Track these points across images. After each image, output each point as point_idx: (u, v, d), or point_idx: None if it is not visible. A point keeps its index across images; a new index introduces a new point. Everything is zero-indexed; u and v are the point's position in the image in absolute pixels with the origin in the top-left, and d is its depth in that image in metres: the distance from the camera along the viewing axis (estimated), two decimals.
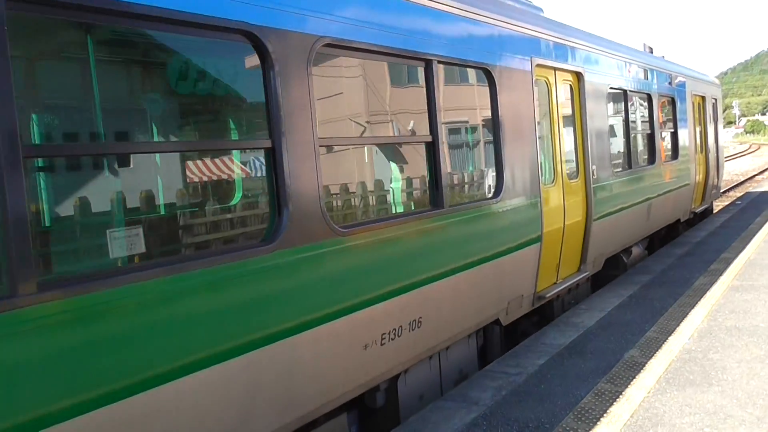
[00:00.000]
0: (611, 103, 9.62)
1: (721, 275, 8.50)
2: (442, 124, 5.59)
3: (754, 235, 11.43)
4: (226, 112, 4.21)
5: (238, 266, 3.57)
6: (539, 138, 7.28)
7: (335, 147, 4.89)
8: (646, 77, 10.81)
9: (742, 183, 31.57)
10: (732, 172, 41.38)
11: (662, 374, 5.10)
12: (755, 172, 39.59)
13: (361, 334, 4.54)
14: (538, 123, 7.25)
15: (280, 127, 3.85)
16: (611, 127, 9.46)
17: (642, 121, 11.23)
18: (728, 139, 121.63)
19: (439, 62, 5.40)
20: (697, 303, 7.21)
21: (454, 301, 5.60)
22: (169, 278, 3.22)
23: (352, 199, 5.09)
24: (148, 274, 3.13)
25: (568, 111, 8.19)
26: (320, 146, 4.22)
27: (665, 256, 10.33)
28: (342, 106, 5.03)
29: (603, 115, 8.85)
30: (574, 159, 8.23)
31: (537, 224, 6.92)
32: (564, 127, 7.96)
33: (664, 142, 12.27)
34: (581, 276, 8.22)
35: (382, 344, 4.77)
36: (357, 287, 4.44)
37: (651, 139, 11.11)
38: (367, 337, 4.59)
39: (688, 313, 6.82)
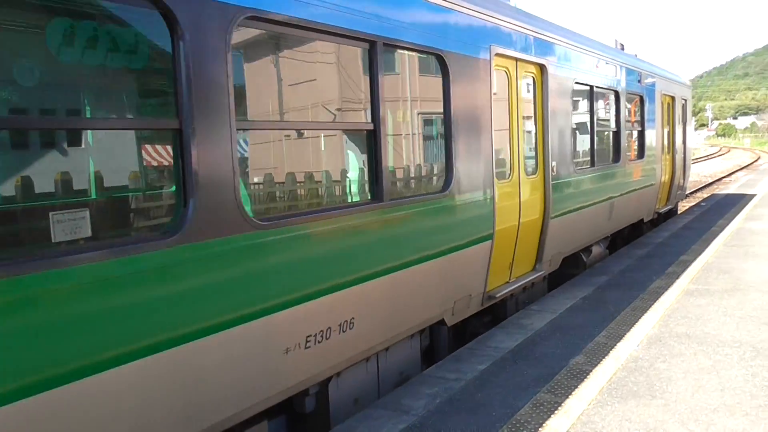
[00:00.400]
0: (576, 98, 9.37)
1: (678, 278, 8.31)
2: (386, 112, 5.25)
3: (714, 238, 11.30)
4: (123, 86, 3.79)
5: (130, 262, 3.18)
6: (496, 131, 6.98)
7: (262, 133, 4.51)
8: (614, 74, 10.58)
9: (710, 184, 31.83)
10: (701, 173, 41.77)
11: (605, 384, 4.84)
12: (723, 175, 40.02)
13: (281, 337, 4.18)
14: (496, 115, 6.95)
15: (188, 107, 3.46)
16: (575, 123, 9.20)
17: (608, 119, 11.01)
18: (700, 141, 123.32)
19: (384, 44, 5.04)
20: (650, 307, 6.99)
21: (392, 300, 5.28)
22: (40, 275, 2.83)
23: (278, 190, 4.72)
24: (13, 270, 2.74)
25: (530, 104, 7.89)
26: (239, 130, 3.84)
27: (625, 257, 10.13)
28: (272, 88, 4.64)
29: (566, 111, 8.58)
30: (534, 154, 7.95)
31: (489, 221, 6.62)
32: (524, 121, 7.67)
33: (630, 141, 12.08)
34: (536, 275, 7.96)
35: (306, 347, 4.42)
36: (276, 286, 4.08)
37: (616, 137, 10.90)
38: (288, 341, 4.24)
39: (640, 318, 6.58)
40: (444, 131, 5.98)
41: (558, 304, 7.41)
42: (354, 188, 5.23)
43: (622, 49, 12.90)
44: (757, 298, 7.15)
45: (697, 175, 40.35)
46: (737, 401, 4.46)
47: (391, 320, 5.35)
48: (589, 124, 9.74)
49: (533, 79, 7.87)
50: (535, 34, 7.71)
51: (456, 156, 6.00)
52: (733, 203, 16.94)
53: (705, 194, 24.27)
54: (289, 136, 4.82)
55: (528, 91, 7.84)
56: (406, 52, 5.59)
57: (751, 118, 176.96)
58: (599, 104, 10.39)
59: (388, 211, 5.04)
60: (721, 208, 15.98)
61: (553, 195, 8.11)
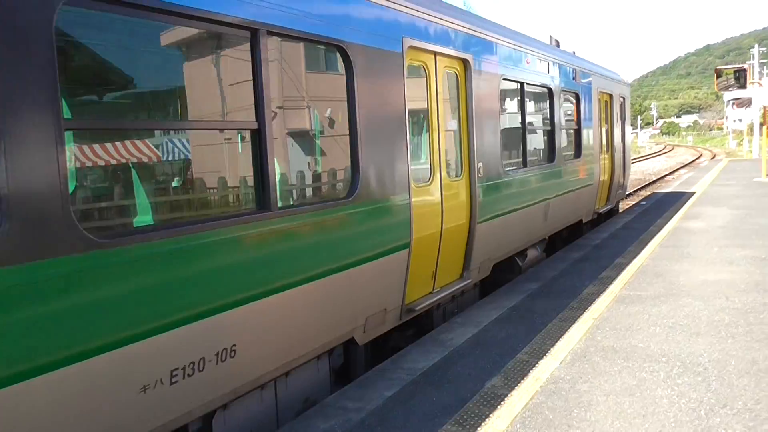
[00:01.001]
0: (505, 96, 8.94)
1: (611, 284, 7.95)
2: (278, 110, 4.66)
3: (651, 239, 11.06)
4: None
5: None
6: (413, 131, 6.46)
7: (109, 135, 3.86)
8: (547, 71, 10.20)
9: (654, 182, 32.21)
10: (646, 171, 42.42)
11: (520, 412, 4.35)
12: (667, 172, 40.68)
13: (136, 373, 3.55)
14: (411, 114, 6.43)
15: None
16: (504, 122, 8.77)
17: (541, 118, 10.64)
18: (645, 139, 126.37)
19: (269, 33, 4.44)
20: (579, 317, 6.58)
21: (287, 321, 4.69)
22: None
23: (133, 201, 4.07)
24: None
25: (452, 102, 7.41)
26: (67, 131, 3.19)
27: (560, 261, 9.77)
28: (126, 83, 4.00)
29: (493, 109, 8.13)
30: (457, 155, 7.47)
31: (405, 228, 6.09)
32: (446, 120, 7.18)
33: (566, 140, 11.76)
34: (463, 284, 7.48)
35: (172, 383, 3.79)
36: (127, 315, 3.44)
37: (551, 136, 10.54)
38: (145, 377, 3.61)
39: (567, 330, 6.15)
40: (349, 132, 5.42)
41: (483, 316, 6.93)
42: (234, 196, 4.62)
43: (557, 45, 12.59)
44: (689, 304, 6.81)
45: (642, 173, 40.97)
46: (659, 430, 4.02)
47: (286, 343, 4.76)
48: (520, 123, 9.33)
49: (456, 75, 7.38)
50: (456, 27, 7.22)
51: (363, 159, 5.45)
52: (673, 201, 16.90)
53: (649, 192, 24.40)
54: (153, 137, 4.18)
55: (450, 88, 7.36)
56: (299, 42, 5.01)
57: (694, 117, 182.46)
58: (531, 102, 10.01)
59: (276, 221, 4.44)
60: (661, 207, 15.89)
61: (480, 198, 7.65)
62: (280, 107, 4.81)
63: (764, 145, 23.77)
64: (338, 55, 5.30)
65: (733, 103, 50.05)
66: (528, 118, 9.56)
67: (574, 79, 11.69)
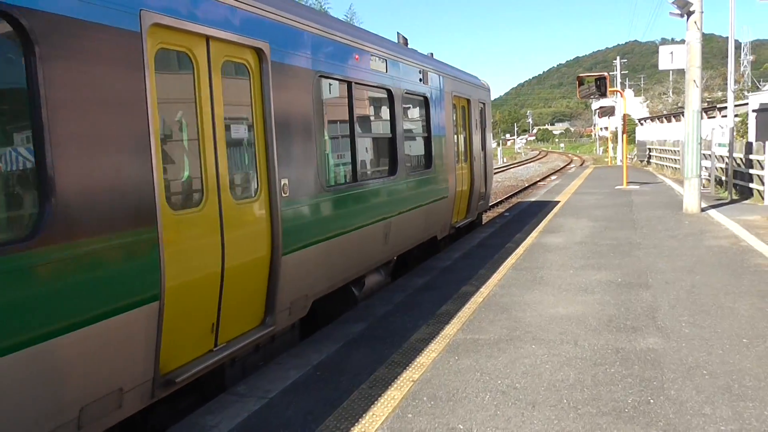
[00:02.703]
0: (323, 96, 7.45)
1: (447, 323, 6.62)
2: None
3: (506, 259, 9.97)
4: None
5: None
6: (164, 139, 4.77)
7: None
8: (384, 69, 8.81)
9: (525, 188, 32.28)
10: (519, 177, 43.03)
11: None
12: (539, 178, 41.39)
13: None
14: (168, 118, 4.77)
15: None
16: (322, 128, 7.27)
17: (378, 124, 9.27)
18: (521, 145, 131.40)
19: None
20: (396, 379, 5.13)
21: None
22: None
23: None
24: None
25: (241, 102, 5.79)
26: None
27: (400, 290, 8.38)
28: None
29: (305, 113, 6.59)
30: (250, 171, 5.86)
31: (149, 275, 4.36)
32: (230, 125, 5.54)
33: (412, 150, 10.48)
34: (264, 332, 5.87)
35: None
36: None
37: (392, 145, 9.16)
38: None
39: (374, 404, 4.67)
40: (34, 145, 3.64)
41: (277, 380, 5.33)
42: None
43: (406, 43, 11.33)
44: (531, 353, 5.56)
45: (516, 179, 41.44)
46: None
47: None
48: (348, 130, 7.86)
49: (247, 68, 5.76)
50: (244, 6, 5.61)
51: (62, 180, 3.69)
52: (536, 212, 16.21)
53: (520, 199, 24.00)
54: None
55: (237, 85, 5.74)
56: None
57: (566, 124, 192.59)
58: (362, 105, 8.59)
59: None
60: (523, 219, 15.09)
61: (286, 223, 6.09)
62: None
63: (624, 154, 24.01)
64: (8, 25, 3.52)
65: (598, 112, 52.23)
66: (358, 125, 8.12)
67: (422, 81, 10.42)
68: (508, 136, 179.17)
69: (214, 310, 5.27)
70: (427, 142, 10.78)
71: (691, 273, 8.41)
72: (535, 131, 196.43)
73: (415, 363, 5.48)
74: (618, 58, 61.24)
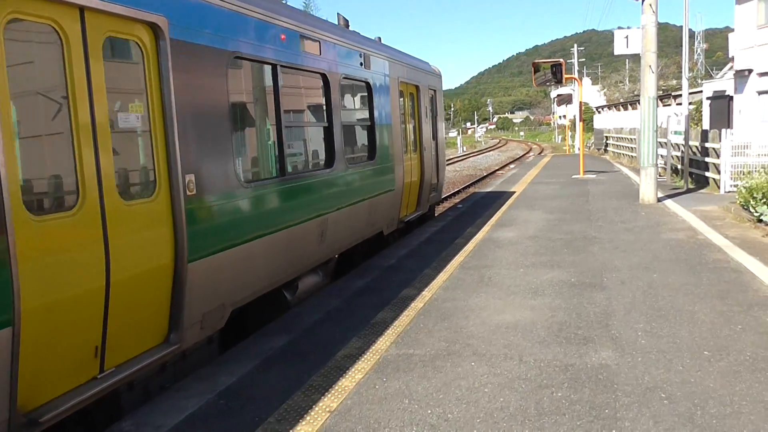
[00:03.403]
0: (241, 80, 6.63)
1: (381, 335, 5.90)
2: None
3: (454, 256, 9.31)
4: None
5: None
6: (20, 131, 3.92)
7: None
8: (318, 52, 8.01)
9: (483, 177, 31.83)
10: (477, 166, 42.66)
11: None
12: (497, 167, 41.07)
13: None
14: (19, 105, 3.92)
15: None
16: (240, 116, 6.46)
17: (311, 111, 8.47)
18: (481, 133, 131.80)
19: None
20: (306, 414, 4.36)
21: None
22: None
23: None
24: None
25: (132, 88, 4.95)
26: None
27: (335, 295, 7.63)
28: None
29: (217, 99, 5.76)
30: (145, 165, 5.04)
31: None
32: (117, 114, 4.70)
33: (352, 140, 9.72)
34: (167, 352, 5.07)
35: None
36: None
37: (328, 134, 8.36)
38: None
39: None
40: None
41: (172, 411, 4.53)
42: None
43: (347, 25, 10.51)
44: (470, 372, 4.87)
45: (475, 168, 41.03)
46: None
47: None
48: (274, 119, 7.04)
49: (140, 47, 4.91)
50: None
51: None
52: (491, 203, 15.63)
53: (478, 189, 23.46)
54: None
55: (126, 66, 4.89)
56: None
57: (525, 113, 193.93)
58: (291, 91, 7.77)
59: None
60: (476, 211, 14.48)
61: (193, 226, 5.28)
62: None
63: (582, 142, 23.66)
64: None
65: (556, 101, 52.20)
66: (287, 113, 7.31)
67: (363, 65, 9.64)
68: (468, 124, 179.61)
69: (98, 331, 4.45)
70: (371, 131, 10.01)
71: (647, 271, 7.86)
72: (495, 120, 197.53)
73: (337, 387, 4.74)
74: (575, 45, 61.32)
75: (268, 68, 6.88)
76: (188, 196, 5.24)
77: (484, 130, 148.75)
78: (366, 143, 10.04)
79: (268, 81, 6.94)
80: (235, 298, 6.17)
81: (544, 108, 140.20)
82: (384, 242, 11.55)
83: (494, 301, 6.82)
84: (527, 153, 58.92)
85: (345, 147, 8.81)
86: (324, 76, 8.21)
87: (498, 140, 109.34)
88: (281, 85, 7.02)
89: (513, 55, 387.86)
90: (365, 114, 10.00)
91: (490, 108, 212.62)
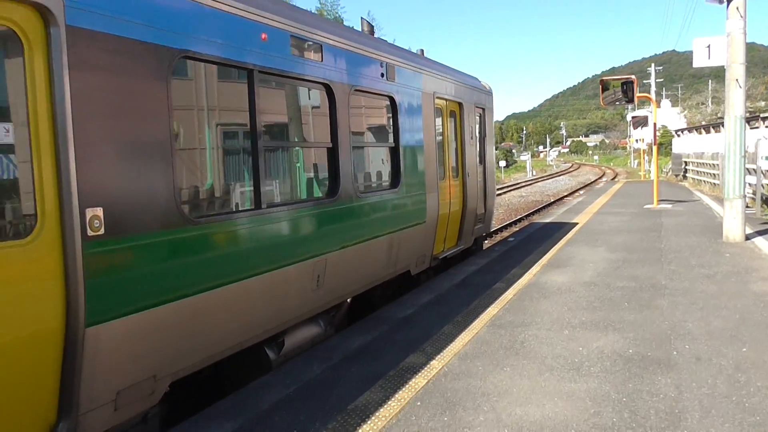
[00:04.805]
0: (195, 85, 5.28)
1: None
2: None
3: (488, 306, 7.64)
4: None
5: None
6: None
7: None
8: (318, 57, 6.59)
9: (549, 204, 29.83)
10: (545, 192, 40.67)
11: None
12: (566, 193, 38.91)
13: None
14: None
15: None
16: (188, 132, 5.11)
17: (305, 128, 7.05)
18: (554, 157, 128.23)
19: None
20: None
21: None
22: None
23: None
24: None
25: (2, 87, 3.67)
26: None
27: (320, 357, 6.08)
28: None
29: (147, 109, 4.41)
30: (15, 194, 3.74)
31: None
32: None
33: (367, 163, 8.26)
34: None
35: None
36: None
37: (332, 157, 6.92)
38: None
39: None
40: None
41: None
42: None
43: (372, 32, 9.10)
44: None
45: (542, 194, 38.94)
46: None
47: None
48: (244, 135, 5.65)
49: (18, 35, 3.63)
50: None
51: None
52: (548, 236, 13.79)
53: (538, 218, 21.56)
54: None
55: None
56: None
57: (600, 136, 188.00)
58: (276, 102, 6.37)
59: None
60: (529, 245, 12.69)
61: (98, 277, 3.94)
62: None
63: (656, 168, 21.39)
64: None
65: (632, 123, 49.28)
66: (266, 129, 5.91)
67: (385, 77, 8.17)
68: (541, 147, 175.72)
69: None
70: (394, 154, 8.51)
71: (734, 341, 5.98)
72: (568, 143, 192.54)
73: None
74: (653, 65, 58.11)
75: (240, 73, 5.51)
76: (91, 237, 3.88)
77: (557, 153, 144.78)
78: (389, 168, 8.54)
79: (240, 90, 5.56)
80: (176, 367, 4.78)
81: (620, 131, 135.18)
82: (415, 279, 10.00)
83: (521, 380, 5.13)
84: (599, 178, 56.05)
85: (355, 172, 7.33)
86: (328, 87, 6.79)
87: (570, 164, 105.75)
88: (259, 94, 5.63)
89: (589, 77, 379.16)
90: (387, 134, 8.53)
91: (564, 131, 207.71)
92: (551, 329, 6.60)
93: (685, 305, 7.37)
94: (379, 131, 8.61)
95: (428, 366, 5.61)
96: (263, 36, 5.67)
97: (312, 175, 6.96)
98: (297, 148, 6.74)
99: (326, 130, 6.89)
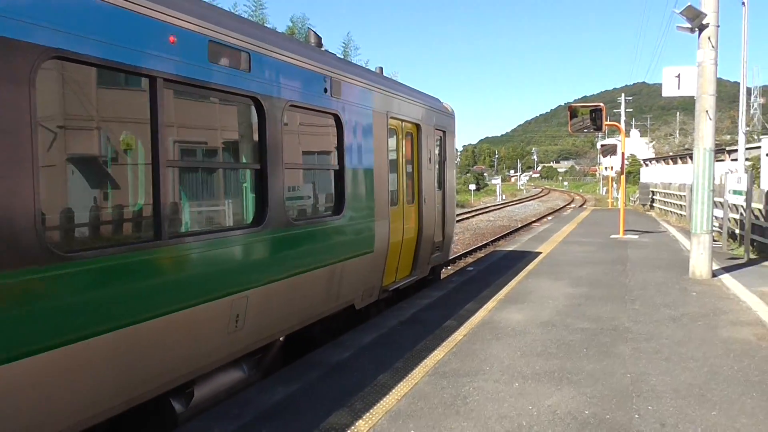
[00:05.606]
0: (71, 93, 4.44)
1: None
2: None
3: (433, 349, 6.86)
4: None
5: None
6: None
7: None
8: (246, 67, 5.81)
9: (515, 230, 29.30)
10: (513, 217, 40.30)
11: None
12: (534, 218, 38.56)
13: None
14: None
15: None
16: (59, 146, 4.27)
17: (224, 146, 6.25)
18: (524, 182, 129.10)
19: None
20: None
21: None
22: None
23: None
24: None
25: None
26: None
27: (228, 416, 5.24)
28: None
29: (10, 121, 3.59)
30: None
31: None
32: None
33: (305, 188, 7.48)
34: None
35: None
36: None
37: (259, 180, 6.11)
38: None
39: None
40: None
41: None
42: None
43: (319, 44, 8.36)
44: None
45: (510, 218, 38.50)
46: None
47: None
48: (141, 152, 4.82)
49: None
50: None
51: None
52: (509, 267, 13.10)
53: (502, 245, 20.93)
54: None
55: None
56: None
57: (571, 162, 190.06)
58: (188, 116, 5.56)
59: None
60: (488, 277, 11.97)
61: None
62: None
63: (622, 198, 20.98)
64: None
65: (600, 151, 49.38)
66: (172, 146, 5.09)
67: (328, 92, 7.41)
68: (512, 172, 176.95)
69: None
70: (339, 177, 7.73)
71: (703, 402, 5.27)
72: (539, 168, 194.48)
73: None
74: (623, 95, 58.60)
75: (138, 81, 4.69)
76: None
77: (528, 178, 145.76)
78: (332, 193, 7.76)
79: (138, 99, 4.74)
80: (54, 428, 3.90)
81: (590, 158, 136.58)
82: (365, 313, 9.21)
83: None
84: (568, 204, 56.05)
85: (287, 199, 6.53)
86: (256, 101, 6.00)
87: (541, 189, 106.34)
88: (165, 106, 4.82)
89: (561, 105, 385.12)
90: (330, 155, 7.75)
91: (535, 156, 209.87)
92: (500, 380, 5.83)
93: (649, 354, 6.67)
94: (320, 152, 7.84)
95: (353, 428, 4.79)
96: (171, 39, 4.87)
97: (234, 200, 6.13)
98: (216, 168, 5.91)
99: (253, 150, 6.10)
